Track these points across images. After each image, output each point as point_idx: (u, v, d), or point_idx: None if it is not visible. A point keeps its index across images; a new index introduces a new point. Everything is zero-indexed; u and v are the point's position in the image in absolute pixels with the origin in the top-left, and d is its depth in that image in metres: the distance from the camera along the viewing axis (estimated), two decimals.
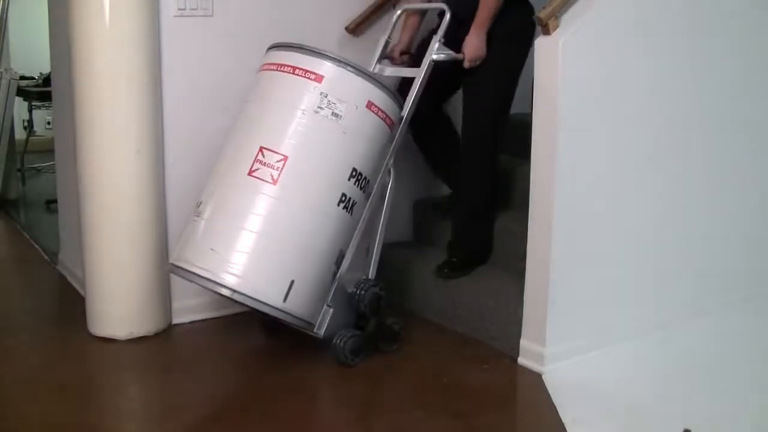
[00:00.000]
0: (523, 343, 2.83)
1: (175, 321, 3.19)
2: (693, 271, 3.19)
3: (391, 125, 2.79)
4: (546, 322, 2.74)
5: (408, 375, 2.82)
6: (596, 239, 2.85)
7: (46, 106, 6.19)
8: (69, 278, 3.72)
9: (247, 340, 3.11)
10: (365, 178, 2.73)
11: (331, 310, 2.75)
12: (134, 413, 2.64)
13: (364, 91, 2.68)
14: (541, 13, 2.63)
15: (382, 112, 2.72)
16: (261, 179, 2.58)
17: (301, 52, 2.68)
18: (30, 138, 6.34)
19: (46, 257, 4.13)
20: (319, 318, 2.74)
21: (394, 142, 2.86)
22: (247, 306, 2.64)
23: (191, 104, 3.12)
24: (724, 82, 3.13)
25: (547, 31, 2.63)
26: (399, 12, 3.15)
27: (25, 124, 6.56)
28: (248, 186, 2.59)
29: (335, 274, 2.76)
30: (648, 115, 2.91)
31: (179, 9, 3.02)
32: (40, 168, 6.37)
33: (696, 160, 3.11)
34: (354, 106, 2.65)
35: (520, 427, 2.57)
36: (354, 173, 2.68)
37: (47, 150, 5.10)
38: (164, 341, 3.06)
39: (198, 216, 2.65)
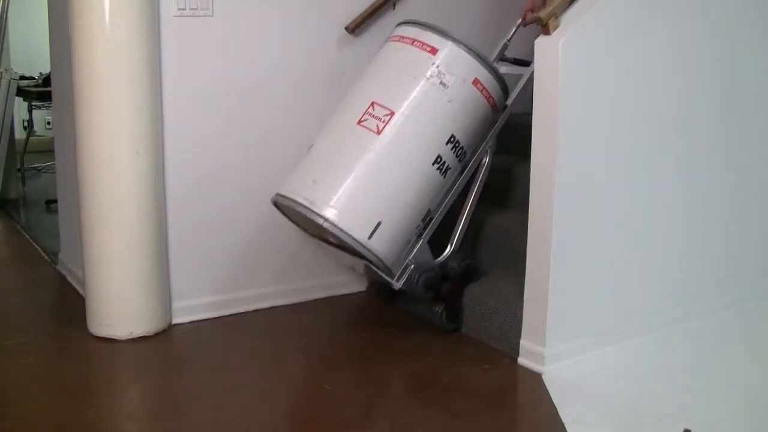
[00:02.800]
0: (523, 343, 2.83)
1: (175, 321, 3.19)
2: (692, 272, 3.19)
3: (494, 107, 2.98)
4: (546, 322, 2.74)
5: (408, 375, 2.82)
6: (596, 239, 2.85)
7: (46, 106, 6.19)
8: (69, 278, 3.72)
9: (247, 340, 3.12)
10: (462, 147, 2.93)
11: (412, 266, 2.94)
12: (134, 413, 2.64)
13: (471, 68, 2.90)
14: (541, 13, 2.63)
15: (486, 91, 2.92)
16: (367, 128, 2.84)
17: (421, 28, 2.95)
18: (30, 138, 6.34)
19: (46, 257, 4.13)
20: (400, 271, 2.94)
21: (495, 125, 3.04)
22: (334, 239, 2.87)
23: (191, 104, 3.12)
24: (726, 82, 3.13)
25: (547, 31, 2.64)
26: None
27: (25, 124, 6.57)
28: (355, 133, 2.86)
29: (421, 233, 2.95)
30: (648, 114, 2.91)
31: (179, 9, 3.02)
32: (40, 168, 6.38)
33: (696, 160, 3.11)
34: (461, 80, 2.88)
35: (520, 427, 2.57)
36: (452, 139, 2.89)
37: (47, 150, 5.10)
38: (164, 341, 3.06)
39: (308, 154, 2.95)
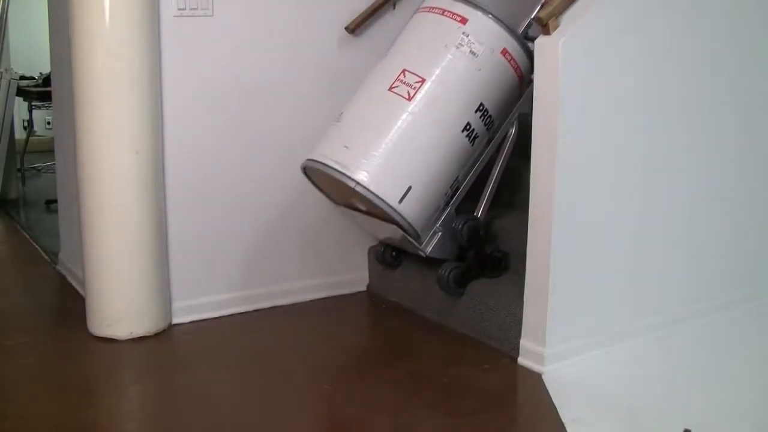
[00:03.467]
0: (523, 343, 2.83)
1: (176, 321, 3.19)
2: (693, 271, 3.20)
3: (521, 78, 3.02)
4: (546, 322, 2.74)
5: (408, 375, 2.82)
6: (596, 239, 2.85)
7: (46, 106, 6.19)
8: (69, 278, 3.72)
9: (248, 340, 3.12)
10: (490, 116, 2.98)
11: (440, 233, 3.00)
12: (134, 413, 2.64)
13: (500, 38, 2.95)
14: (541, 13, 2.63)
15: (515, 62, 2.97)
16: (398, 95, 2.89)
17: None
18: (30, 138, 6.34)
19: (46, 257, 4.13)
20: (427, 237, 3.00)
21: (522, 97, 3.06)
22: (363, 204, 2.96)
23: (191, 104, 3.12)
24: (726, 83, 3.13)
25: (547, 31, 2.64)
26: None
27: (25, 124, 6.56)
28: (386, 99, 2.92)
29: (449, 201, 3.01)
30: (648, 115, 2.91)
31: (179, 9, 3.02)
32: (40, 168, 6.38)
33: (697, 159, 3.11)
34: (490, 49, 2.93)
35: (520, 427, 2.57)
36: (481, 107, 2.94)
37: (47, 150, 5.10)
38: (164, 341, 3.06)
39: (338, 121, 3.00)
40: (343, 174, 2.85)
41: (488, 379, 2.75)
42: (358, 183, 2.83)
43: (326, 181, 3.04)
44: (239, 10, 3.15)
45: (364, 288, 3.63)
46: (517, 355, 2.84)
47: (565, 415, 2.46)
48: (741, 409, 2.56)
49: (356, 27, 3.36)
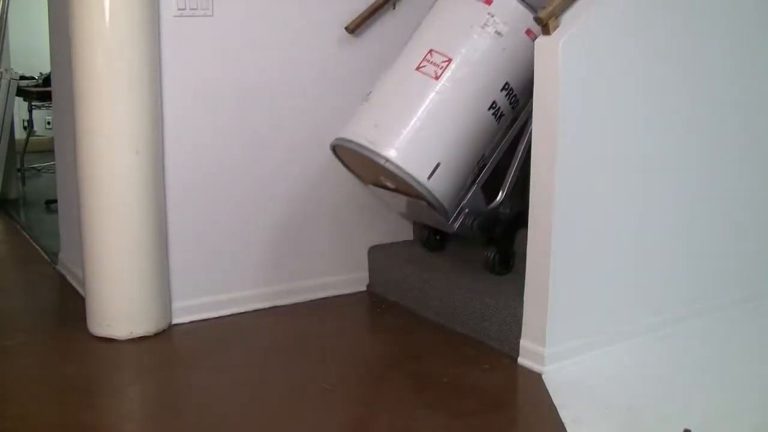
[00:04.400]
0: (523, 343, 2.83)
1: (176, 321, 3.19)
2: (693, 271, 3.20)
3: None
4: (546, 322, 2.74)
5: (408, 375, 2.82)
6: (596, 239, 2.85)
7: (46, 106, 6.19)
8: (69, 278, 3.72)
9: (247, 340, 3.12)
10: (515, 95, 3.02)
11: (466, 210, 3.06)
12: (134, 413, 2.64)
13: (525, 18, 2.96)
14: (541, 13, 2.63)
15: None
16: (426, 74, 2.95)
17: None
18: (30, 138, 6.34)
19: (46, 257, 4.13)
20: (455, 215, 3.05)
21: None
22: (393, 182, 3.02)
23: (191, 104, 3.12)
24: (726, 83, 3.13)
25: (547, 31, 2.63)
26: None
27: (25, 124, 6.57)
28: (414, 78, 2.97)
29: (475, 177, 3.07)
30: (648, 115, 2.91)
31: (179, 9, 3.02)
32: (40, 168, 6.38)
33: (696, 160, 3.10)
34: (515, 29, 2.97)
35: (520, 427, 2.57)
36: (506, 86, 2.99)
37: (47, 150, 5.10)
38: (164, 341, 3.06)
39: (366, 101, 3.06)
40: (373, 151, 2.91)
41: (488, 379, 2.75)
42: (387, 160, 2.89)
43: (355, 160, 3.09)
44: (239, 10, 3.15)
45: (364, 288, 3.63)
46: (517, 355, 2.84)
47: (565, 415, 2.46)
48: (741, 409, 2.56)
49: (356, 27, 3.36)
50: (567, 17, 2.65)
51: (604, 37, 2.72)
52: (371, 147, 2.91)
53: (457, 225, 3.06)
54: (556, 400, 2.55)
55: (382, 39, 3.40)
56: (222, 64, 3.16)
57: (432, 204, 2.96)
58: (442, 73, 2.93)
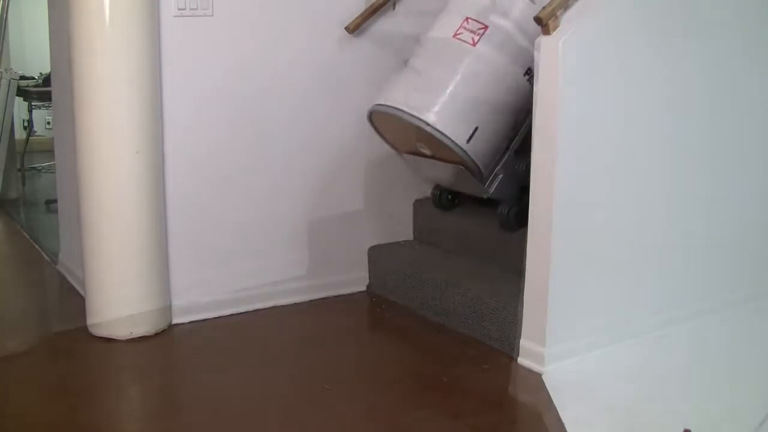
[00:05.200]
0: (523, 343, 2.83)
1: (176, 321, 3.19)
2: (694, 271, 3.19)
3: None
4: (546, 322, 2.74)
5: (408, 375, 2.82)
6: (596, 239, 2.85)
7: (46, 106, 6.19)
8: (69, 278, 3.71)
9: (248, 340, 3.12)
10: None
11: (501, 176, 3.12)
12: (134, 413, 2.64)
13: None
14: (541, 13, 2.62)
15: None
16: (463, 41, 3.01)
17: None
18: (30, 138, 6.34)
19: (46, 257, 4.13)
20: (490, 179, 3.11)
21: None
22: (430, 148, 3.09)
23: (191, 105, 3.12)
24: (729, 82, 3.12)
25: (547, 31, 2.63)
26: None
27: (25, 124, 6.56)
28: (451, 45, 3.03)
29: (510, 143, 3.12)
30: (649, 114, 2.90)
31: (179, 9, 3.02)
32: (40, 168, 6.37)
33: (698, 158, 3.10)
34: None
35: (521, 427, 2.57)
36: None
37: (47, 150, 5.10)
38: (164, 341, 3.06)
39: (405, 67, 3.13)
40: (413, 116, 2.95)
41: (488, 379, 2.75)
42: (428, 124, 2.93)
43: (392, 127, 3.14)
44: (239, 10, 3.15)
45: (364, 288, 3.63)
46: (517, 355, 2.84)
47: (565, 415, 2.46)
48: (741, 409, 2.56)
49: (356, 27, 3.36)
50: (567, 17, 2.65)
51: (605, 37, 2.72)
52: (411, 111, 2.96)
53: (492, 189, 3.11)
54: (556, 400, 2.55)
55: (382, 39, 3.40)
56: (222, 64, 3.16)
57: (470, 168, 3.02)
58: (479, 39, 2.98)
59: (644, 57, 2.84)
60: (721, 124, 3.15)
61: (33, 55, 6.35)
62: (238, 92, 3.21)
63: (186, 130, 3.12)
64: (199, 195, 3.19)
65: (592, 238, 2.83)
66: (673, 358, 2.92)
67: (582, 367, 2.78)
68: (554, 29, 2.62)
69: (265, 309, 3.37)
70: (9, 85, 5.39)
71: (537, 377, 2.73)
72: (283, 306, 3.41)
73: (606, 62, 2.74)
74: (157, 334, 3.08)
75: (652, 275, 3.05)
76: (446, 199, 3.55)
